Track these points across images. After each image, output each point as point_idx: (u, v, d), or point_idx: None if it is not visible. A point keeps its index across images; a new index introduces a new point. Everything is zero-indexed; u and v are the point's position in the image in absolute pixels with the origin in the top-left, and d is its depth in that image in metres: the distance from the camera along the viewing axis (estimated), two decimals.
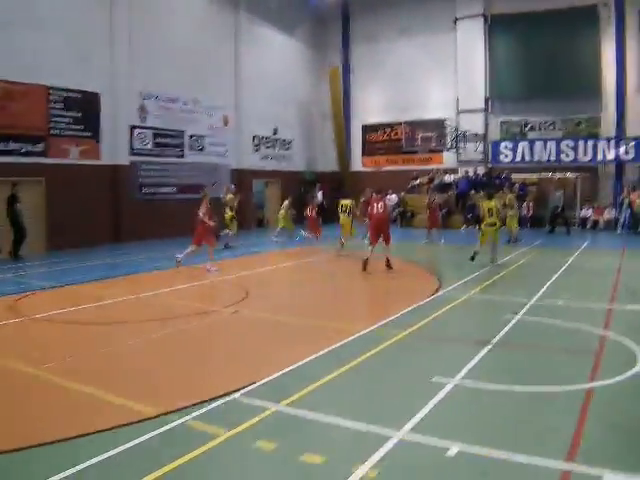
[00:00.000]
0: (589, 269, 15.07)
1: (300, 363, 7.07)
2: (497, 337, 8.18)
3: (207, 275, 14.51)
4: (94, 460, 4.63)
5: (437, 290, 12.01)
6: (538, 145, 28.05)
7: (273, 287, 13.60)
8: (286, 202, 22.85)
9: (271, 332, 9.06)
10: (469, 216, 27.47)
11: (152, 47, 23.70)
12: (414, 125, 30.47)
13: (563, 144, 27.58)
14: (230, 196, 21.08)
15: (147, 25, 23.55)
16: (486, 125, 30.67)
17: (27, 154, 19.31)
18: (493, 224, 15.43)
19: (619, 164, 27.31)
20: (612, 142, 26.73)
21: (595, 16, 27.78)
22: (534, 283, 12.56)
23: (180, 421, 5.37)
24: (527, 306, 10.28)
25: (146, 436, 5.07)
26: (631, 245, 20.18)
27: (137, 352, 7.97)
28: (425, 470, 4.55)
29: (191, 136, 26.12)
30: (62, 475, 4.39)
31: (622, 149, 26.33)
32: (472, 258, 15.25)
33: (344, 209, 18.64)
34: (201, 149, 26.70)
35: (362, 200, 20.31)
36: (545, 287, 12.12)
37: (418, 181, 31.20)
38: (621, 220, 25.08)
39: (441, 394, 5.98)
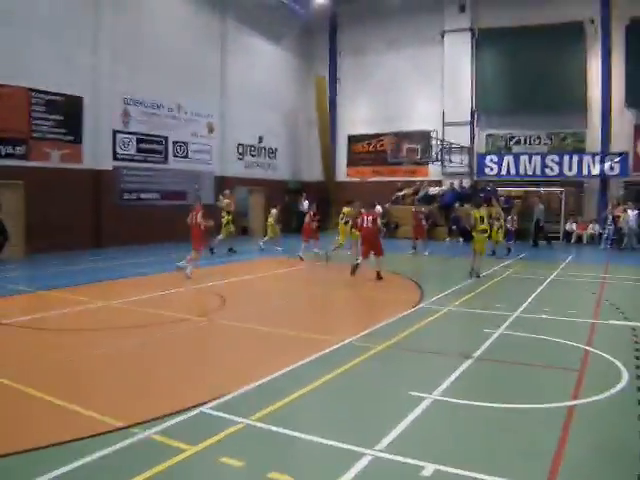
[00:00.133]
0: (573, 283, 14.94)
1: (273, 376, 6.80)
2: (478, 351, 7.98)
3: (186, 276, 14.28)
4: (51, 475, 4.36)
5: (419, 301, 11.81)
6: (523, 159, 28.06)
7: (252, 295, 13.27)
8: (274, 210, 22.63)
9: (245, 342, 8.79)
10: (453, 228, 27.44)
11: (137, 52, 23.47)
12: (400, 137, 30.34)
13: (548, 158, 27.62)
14: (227, 201, 21.29)
15: (132, 30, 23.33)
16: (472, 138, 30.66)
17: (7, 157, 18.98)
18: (485, 231, 15.78)
19: (604, 179, 27.36)
20: (597, 157, 26.77)
21: (581, 32, 27.87)
22: (517, 296, 12.40)
23: (143, 435, 5.10)
24: (510, 319, 10.10)
25: (105, 451, 4.79)
26: (614, 260, 20.12)
27: (103, 361, 7.66)
28: None
29: (175, 142, 25.85)
30: None
31: (607, 164, 26.38)
32: (475, 275, 15.31)
33: (341, 217, 19.31)
34: (185, 156, 26.44)
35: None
36: (528, 301, 11.95)
37: (403, 192, 31.09)
38: (605, 235, 25.08)
39: (418, 410, 5.75)
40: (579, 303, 12.20)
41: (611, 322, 10.07)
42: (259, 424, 5.39)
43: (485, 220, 15.86)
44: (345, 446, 4.93)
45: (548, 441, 5.10)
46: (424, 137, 28.95)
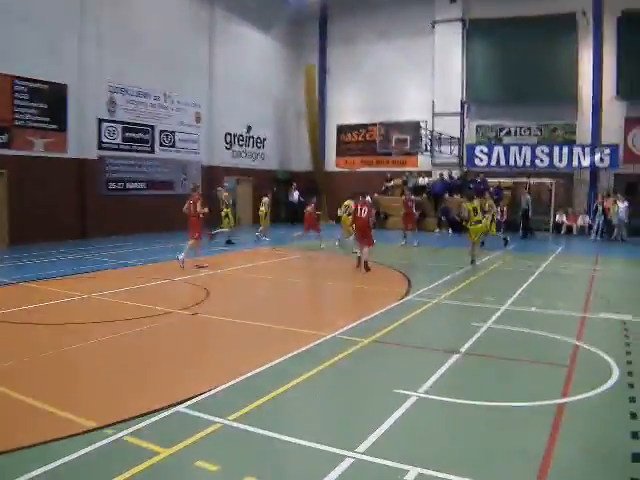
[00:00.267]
0: (563, 275, 14.79)
1: (254, 372, 6.58)
2: (465, 346, 7.79)
3: (180, 266, 14.19)
4: None
5: (407, 294, 11.62)
6: (513, 150, 27.80)
7: (237, 288, 13.02)
8: (266, 199, 22.38)
9: (225, 337, 8.59)
10: (443, 219, 27.28)
11: (123, 40, 23.07)
12: (389, 127, 29.99)
13: (538, 150, 27.40)
14: (226, 194, 21.23)
15: (119, 17, 22.92)
16: (462, 128, 30.45)
17: None
18: (479, 222, 16.11)
19: (594, 171, 27.24)
20: (587, 149, 26.62)
21: (573, 24, 27.64)
22: (506, 289, 12.24)
23: (115, 437, 4.88)
24: (498, 313, 9.93)
25: (76, 454, 4.57)
26: (604, 252, 20.01)
27: (79, 357, 7.43)
28: None
29: (162, 132, 25.51)
30: None
31: (597, 156, 26.22)
32: (471, 261, 15.87)
33: (344, 209, 19.21)
34: (172, 145, 26.09)
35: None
36: (517, 293, 11.79)
37: (392, 183, 30.88)
38: (595, 226, 25.00)
39: (402, 409, 5.54)
40: (569, 296, 12.05)
41: (601, 315, 9.91)
42: (236, 424, 5.17)
43: (479, 211, 16.22)
44: (325, 448, 4.73)
45: (537, 442, 4.91)
46: (414, 127, 28.65)
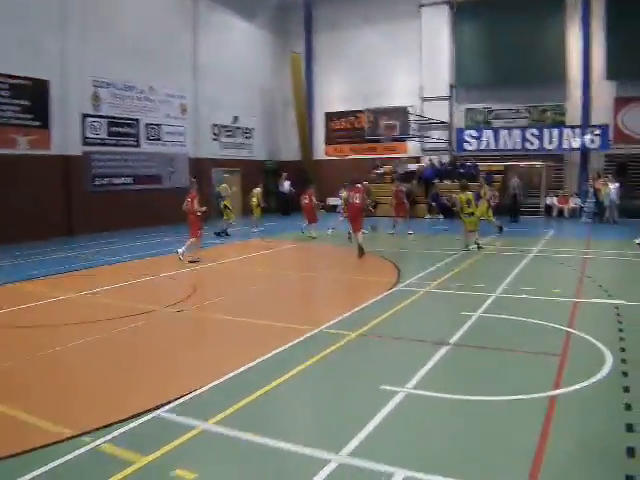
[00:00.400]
0: (554, 259, 14.59)
1: (236, 372, 6.39)
2: (456, 336, 7.62)
3: (181, 262, 14.13)
4: None
5: (396, 283, 11.45)
6: (503, 133, 27.65)
7: (223, 282, 12.77)
8: (257, 189, 22.15)
9: (207, 335, 8.43)
10: (433, 204, 27.10)
11: (106, 34, 22.68)
12: (377, 113, 29.68)
13: (528, 132, 27.23)
14: (223, 185, 21.54)
15: (100, 9, 22.53)
16: (451, 113, 30.23)
17: None
18: (471, 214, 16.08)
19: (584, 152, 27.09)
20: (577, 130, 26.46)
21: (561, 3, 27.44)
22: (497, 274, 12.09)
23: (91, 445, 4.68)
24: (489, 301, 9.77)
25: (48, 466, 4.36)
26: (596, 234, 19.87)
27: (55, 361, 7.20)
28: None
29: (147, 125, 25.17)
30: None
31: (587, 137, 26.08)
32: (477, 246, 15.96)
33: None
34: (158, 138, 25.76)
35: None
36: (508, 279, 11.64)
37: (381, 170, 30.66)
38: (586, 208, 24.88)
39: (389, 406, 5.36)
40: (561, 280, 11.91)
41: (594, 300, 9.77)
42: (217, 428, 4.99)
43: (472, 203, 16.16)
44: (309, 451, 4.55)
45: (529, 437, 4.75)
46: (402, 113, 28.41)
